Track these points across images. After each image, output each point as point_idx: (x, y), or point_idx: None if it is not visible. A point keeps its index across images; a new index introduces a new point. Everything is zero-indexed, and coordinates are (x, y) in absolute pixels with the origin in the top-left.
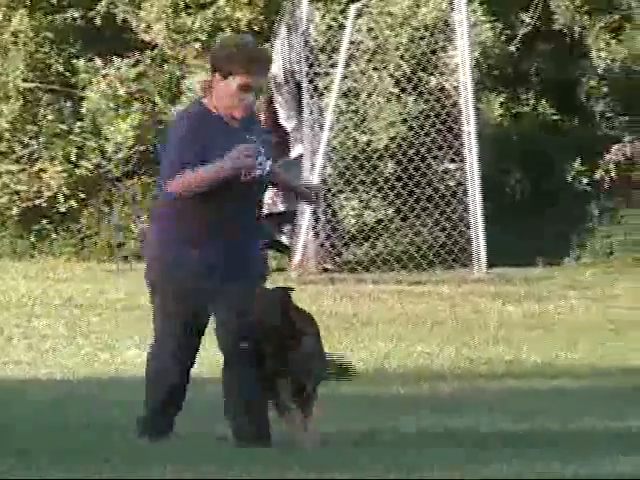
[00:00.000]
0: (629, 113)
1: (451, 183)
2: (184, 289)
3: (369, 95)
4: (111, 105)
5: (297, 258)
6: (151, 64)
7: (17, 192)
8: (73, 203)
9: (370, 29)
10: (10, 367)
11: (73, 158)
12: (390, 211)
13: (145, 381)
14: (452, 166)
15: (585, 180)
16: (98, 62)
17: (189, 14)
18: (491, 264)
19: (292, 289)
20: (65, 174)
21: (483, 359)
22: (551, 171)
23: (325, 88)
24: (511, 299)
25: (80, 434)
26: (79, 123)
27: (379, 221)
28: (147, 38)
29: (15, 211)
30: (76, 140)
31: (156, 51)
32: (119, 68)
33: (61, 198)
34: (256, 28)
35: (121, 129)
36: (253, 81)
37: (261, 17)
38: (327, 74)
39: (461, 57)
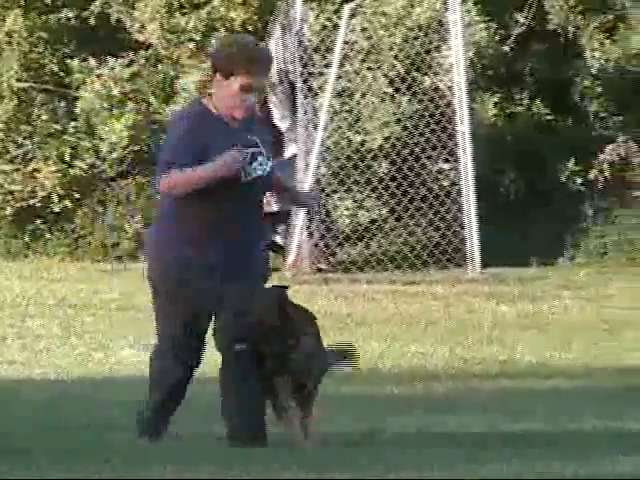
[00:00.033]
0: (623, 113)
1: (445, 183)
2: (184, 289)
3: (363, 95)
4: (105, 105)
5: (291, 258)
6: (145, 64)
7: (11, 192)
8: (67, 203)
9: (364, 29)
10: (4, 367)
11: (67, 158)
12: (384, 211)
13: (149, 381)
14: (446, 166)
15: (579, 180)
16: (92, 62)
17: (183, 14)
18: (485, 264)
19: (288, 287)
20: (59, 174)
21: (477, 359)
22: (545, 171)
23: (319, 88)
24: (505, 299)
25: (80, 434)
26: (73, 123)
27: (373, 221)
28: (141, 38)
29: (9, 211)
30: (70, 140)
31: (150, 51)
32: (113, 68)
33: (55, 198)
34: (250, 28)
35: (115, 129)
36: (254, 81)
37: (255, 17)
38: (321, 74)
39: (455, 57)
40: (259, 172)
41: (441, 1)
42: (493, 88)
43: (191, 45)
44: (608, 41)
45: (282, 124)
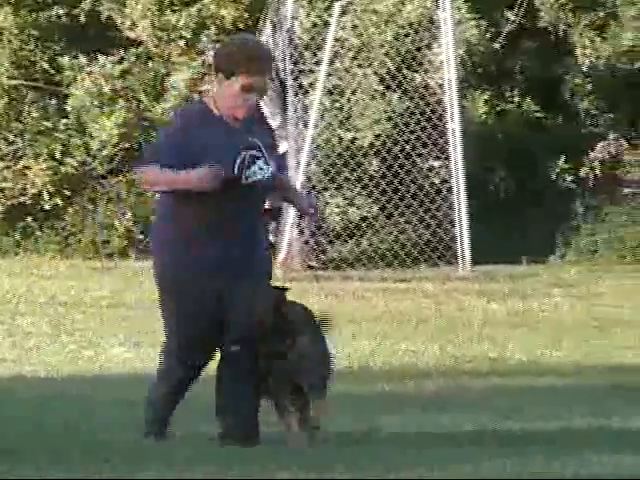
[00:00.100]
0: (613, 111)
1: (436, 181)
2: (183, 289)
3: (354, 92)
4: (96, 102)
5: (282, 255)
6: (136, 61)
7: (1, 189)
8: (58, 201)
9: (355, 27)
10: None
11: (58, 156)
12: (375, 208)
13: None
14: (437, 164)
15: (570, 178)
16: (83, 59)
17: (174, 11)
18: (476, 262)
19: (287, 289)
20: (50, 171)
21: (468, 357)
22: (535, 169)
23: (310, 85)
24: (495, 297)
25: (78, 434)
26: (64, 120)
27: (364, 218)
28: (132, 35)
29: None
30: (61, 137)
31: (141, 48)
32: (104, 65)
33: (46, 196)
34: (241, 26)
35: (106, 126)
36: (256, 81)
37: (246, 15)
38: (312, 71)
39: (446, 55)
40: (259, 176)
41: None
42: (483, 86)
43: (182, 43)
44: (599, 39)
45: (272, 122)
